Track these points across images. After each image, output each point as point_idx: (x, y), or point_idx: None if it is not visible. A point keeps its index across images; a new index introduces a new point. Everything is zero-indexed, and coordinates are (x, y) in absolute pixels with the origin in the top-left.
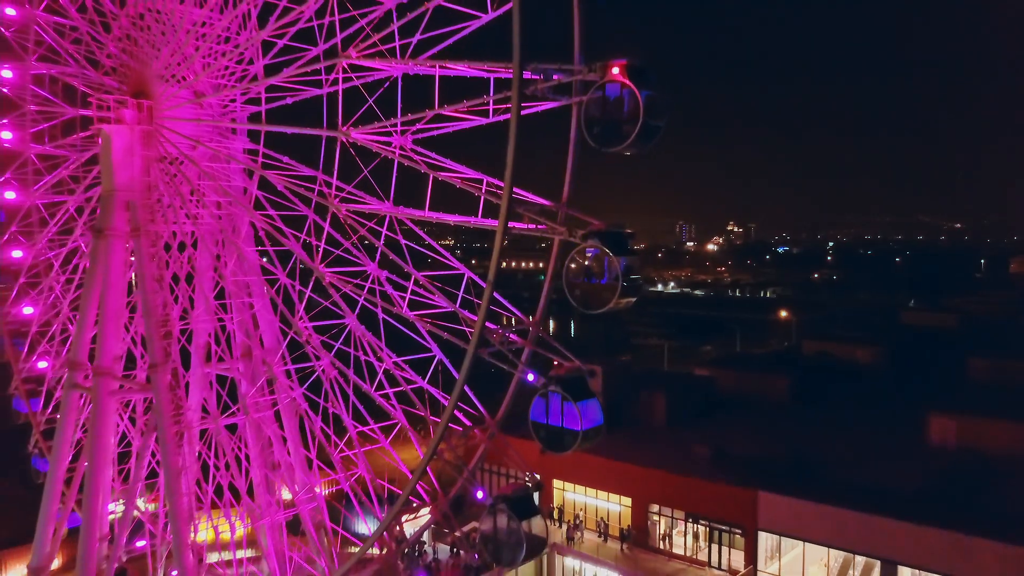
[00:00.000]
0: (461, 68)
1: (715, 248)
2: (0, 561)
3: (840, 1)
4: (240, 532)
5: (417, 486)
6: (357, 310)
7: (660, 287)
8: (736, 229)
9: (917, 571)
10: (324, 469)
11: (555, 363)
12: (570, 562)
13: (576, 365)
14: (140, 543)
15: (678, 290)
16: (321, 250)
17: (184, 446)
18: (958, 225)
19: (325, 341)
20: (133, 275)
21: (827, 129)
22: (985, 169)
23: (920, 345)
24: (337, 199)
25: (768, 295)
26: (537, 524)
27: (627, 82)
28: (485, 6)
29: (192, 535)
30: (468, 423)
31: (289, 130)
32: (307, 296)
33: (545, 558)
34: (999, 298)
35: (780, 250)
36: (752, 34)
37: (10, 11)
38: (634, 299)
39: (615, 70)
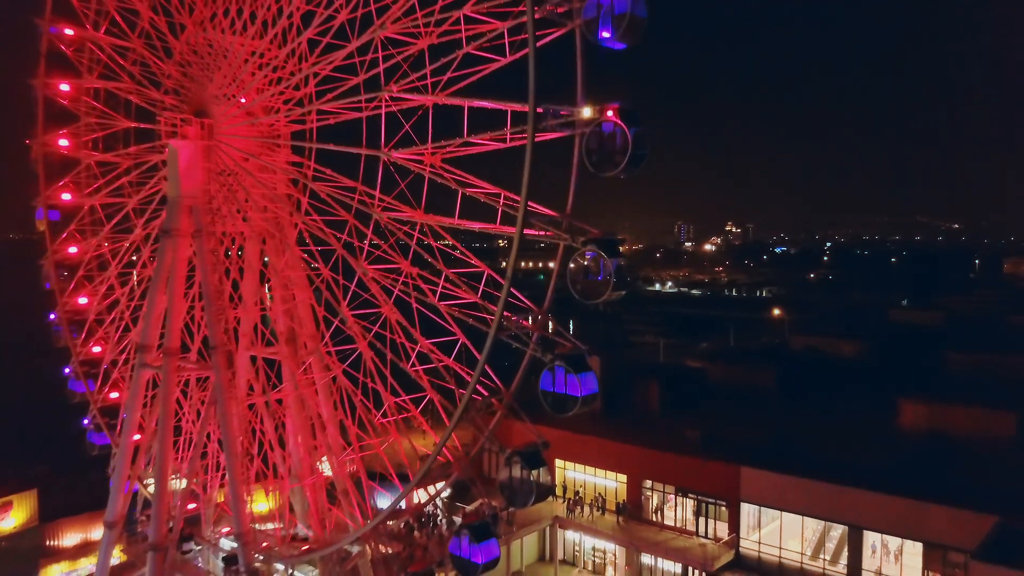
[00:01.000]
0: (484, 103)
1: (713, 248)
2: (57, 529)
3: (842, 1)
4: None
5: (444, 449)
6: (392, 299)
7: (658, 287)
8: (734, 229)
9: (879, 534)
10: (361, 435)
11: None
12: (571, 535)
13: (576, 345)
14: (191, 505)
15: (675, 289)
16: (365, 250)
17: (235, 419)
18: (956, 226)
19: (365, 326)
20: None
21: (827, 130)
22: (985, 170)
23: (904, 340)
24: (379, 208)
25: (763, 294)
26: (544, 473)
27: (619, 122)
28: (504, 51)
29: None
30: (487, 394)
31: (340, 148)
32: (351, 289)
33: (547, 530)
34: (988, 297)
35: (778, 250)
36: (752, 35)
37: (68, 31)
38: (623, 292)
39: (610, 112)
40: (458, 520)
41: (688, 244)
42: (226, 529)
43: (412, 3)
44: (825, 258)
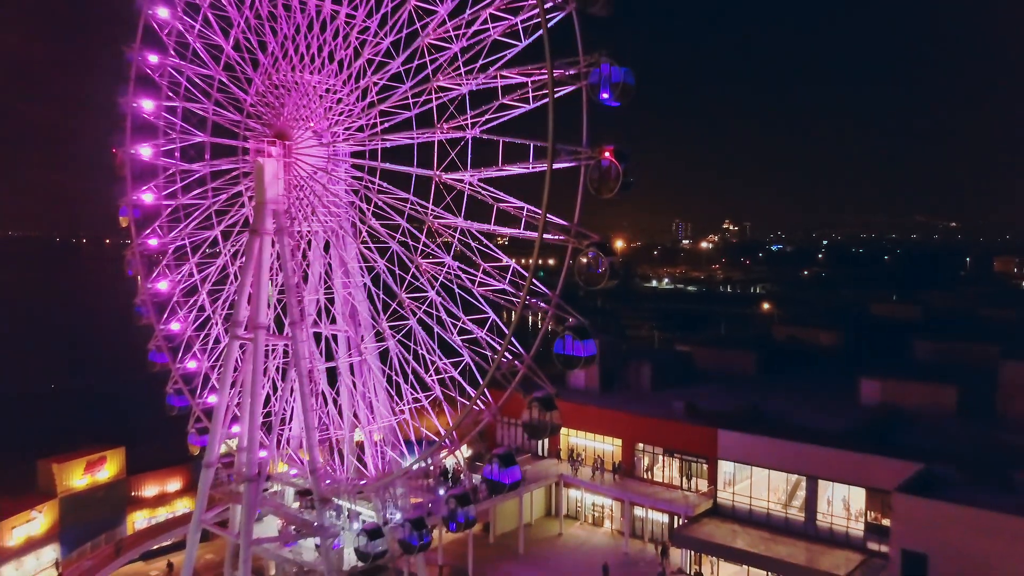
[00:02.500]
0: (513, 138)
1: (710, 246)
2: (140, 482)
3: (841, 2)
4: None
5: (479, 401)
6: (438, 285)
7: (655, 283)
8: (732, 227)
9: (830, 483)
10: (413, 392)
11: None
12: (574, 493)
13: (580, 320)
14: (262, 453)
15: (671, 286)
16: (419, 248)
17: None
18: (953, 224)
19: (415, 307)
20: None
21: (828, 129)
22: (985, 169)
23: (879, 330)
24: (431, 215)
25: (757, 291)
26: (556, 416)
27: (613, 160)
28: (529, 100)
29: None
30: (511, 358)
31: (404, 169)
32: (407, 279)
33: (553, 488)
34: (968, 293)
35: (774, 248)
36: (753, 36)
37: (153, 58)
38: (616, 281)
39: (607, 153)
40: (477, 477)
41: (686, 242)
42: (294, 472)
43: (457, 63)
44: (820, 256)
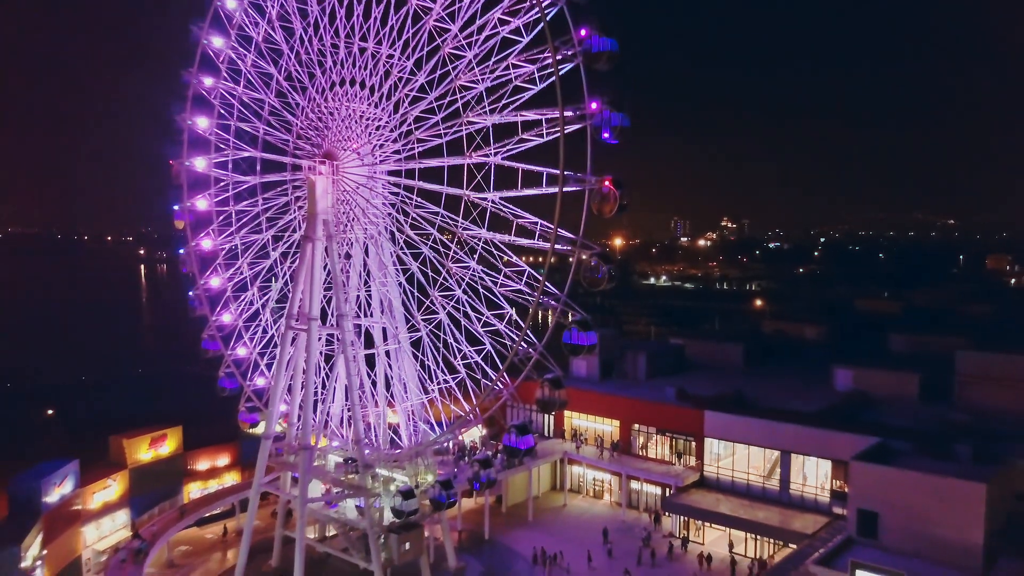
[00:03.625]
0: (530, 165)
1: (708, 244)
2: (195, 457)
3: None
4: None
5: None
6: (464, 284)
7: (652, 281)
8: (730, 225)
9: (800, 456)
10: (442, 374)
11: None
12: (576, 469)
13: (583, 315)
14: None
15: (669, 283)
16: (450, 253)
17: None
18: (952, 222)
19: (445, 303)
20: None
21: (827, 126)
22: (984, 167)
23: (859, 325)
24: (460, 227)
25: (752, 288)
26: (563, 393)
27: (612, 188)
28: (543, 134)
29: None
30: (526, 346)
31: (436, 188)
32: (439, 280)
33: (558, 464)
34: (952, 290)
35: (772, 246)
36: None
37: (208, 80)
38: (614, 284)
39: (607, 182)
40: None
41: (684, 240)
42: (335, 444)
43: (483, 102)
44: (816, 254)
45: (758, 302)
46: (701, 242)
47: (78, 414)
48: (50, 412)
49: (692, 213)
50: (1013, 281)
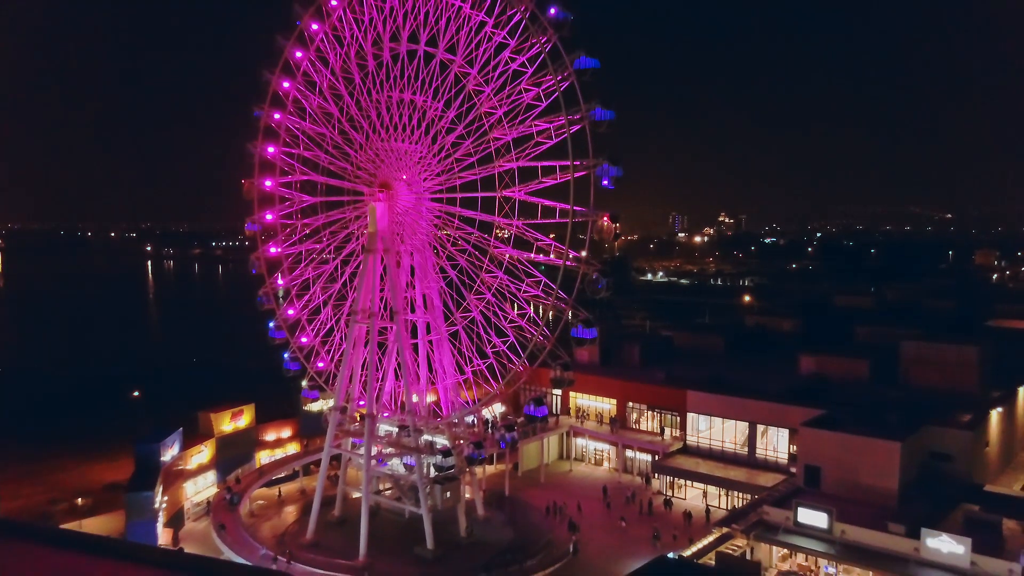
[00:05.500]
0: (547, 201)
1: (705, 239)
2: (264, 429)
3: None
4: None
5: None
6: (493, 289)
7: (649, 276)
8: (727, 220)
9: (764, 426)
10: (477, 358)
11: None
12: (580, 440)
13: (587, 315)
14: (362, 402)
15: (665, 279)
16: (484, 265)
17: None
18: (949, 216)
19: (477, 304)
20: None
21: (825, 121)
22: (982, 161)
23: (835, 318)
24: (491, 246)
25: (744, 283)
26: (571, 375)
27: (610, 222)
28: (557, 176)
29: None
30: (542, 338)
31: (469, 213)
32: (474, 286)
33: (564, 437)
34: (925, 286)
35: (767, 241)
36: (751, 31)
37: (276, 115)
38: (610, 292)
39: (606, 218)
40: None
41: (682, 235)
42: (386, 414)
43: (512, 157)
44: (809, 249)
45: (747, 298)
46: (697, 238)
47: (161, 395)
48: (136, 393)
49: (690, 208)
50: (996, 276)
